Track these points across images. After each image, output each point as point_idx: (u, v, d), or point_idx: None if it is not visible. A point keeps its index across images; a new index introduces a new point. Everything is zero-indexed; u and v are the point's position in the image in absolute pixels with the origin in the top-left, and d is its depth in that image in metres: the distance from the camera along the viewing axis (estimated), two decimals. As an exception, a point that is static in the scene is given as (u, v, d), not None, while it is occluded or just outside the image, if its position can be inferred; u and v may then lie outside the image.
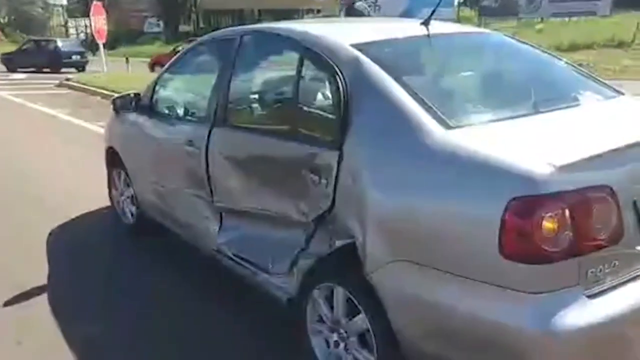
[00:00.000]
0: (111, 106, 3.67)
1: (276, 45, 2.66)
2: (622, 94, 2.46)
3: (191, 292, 3.07)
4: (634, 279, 1.73)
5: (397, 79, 2.04)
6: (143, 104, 3.44)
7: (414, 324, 1.87)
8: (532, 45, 2.74)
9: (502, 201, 1.58)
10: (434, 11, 2.49)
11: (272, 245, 2.48)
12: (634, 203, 1.75)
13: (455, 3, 31.71)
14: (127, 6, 36.77)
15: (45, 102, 11.01)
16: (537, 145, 1.77)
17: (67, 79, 14.85)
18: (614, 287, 1.68)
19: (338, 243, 2.09)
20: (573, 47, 19.82)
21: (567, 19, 26.61)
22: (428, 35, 2.42)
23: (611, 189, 1.65)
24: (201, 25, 37.60)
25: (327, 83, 2.15)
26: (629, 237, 1.71)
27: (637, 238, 1.75)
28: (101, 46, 14.61)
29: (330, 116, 2.12)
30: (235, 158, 2.65)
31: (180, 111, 3.21)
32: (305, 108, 2.33)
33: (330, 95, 2.12)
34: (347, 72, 2.11)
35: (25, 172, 5.70)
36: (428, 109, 1.90)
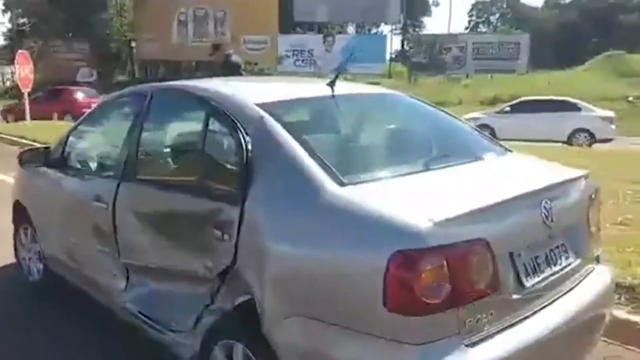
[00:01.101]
0: (17, 160, 3.54)
1: (185, 103, 2.71)
2: (510, 151, 2.65)
3: (91, 353, 2.93)
4: (511, 326, 1.83)
5: (298, 138, 2.12)
6: (53, 158, 3.36)
7: None
8: (430, 104, 2.92)
9: (385, 254, 1.66)
10: (339, 72, 2.63)
11: (178, 302, 2.45)
12: (510, 255, 1.88)
13: (388, 59, 33.24)
14: (59, 55, 35.99)
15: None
16: (421, 201, 1.88)
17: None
18: (492, 335, 1.77)
19: (240, 299, 2.10)
20: (495, 101, 21.20)
21: (489, 75, 28.50)
22: (332, 96, 2.53)
23: (487, 242, 1.76)
24: (137, 75, 37.35)
25: (231, 140, 2.20)
26: (505, 287, 1.82)
27: (514, 287, 1.86)
28: (25, 95, 14.16)
29: (233, 173, 2.15)
30: (142, 213, 2.63)
31: (90, 166, 3.17)
32: (209, 164, 2.36)
33: (233, 153, 2.17)
34: (250, 130, 2.17)
35: None
36: (324, 167, 1.98)
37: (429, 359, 1.65)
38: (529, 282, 1.91)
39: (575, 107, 14.85)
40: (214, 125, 2.34)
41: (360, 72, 28.79)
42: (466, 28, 58.11)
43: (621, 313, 3.08)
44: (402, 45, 43.25)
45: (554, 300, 2.01)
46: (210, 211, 2.19)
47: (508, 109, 15.12)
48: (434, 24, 79.48)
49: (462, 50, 29.44)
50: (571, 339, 2.05)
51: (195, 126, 2.46)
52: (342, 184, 1.92)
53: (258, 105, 2.28)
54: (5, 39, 47.23)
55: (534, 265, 1.95)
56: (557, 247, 2.08)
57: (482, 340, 1.75)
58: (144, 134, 2.74)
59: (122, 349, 2.94)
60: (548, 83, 21.35)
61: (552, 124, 13.85)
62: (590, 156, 9.60)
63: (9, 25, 43.06)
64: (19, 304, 3.63)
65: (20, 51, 15.25)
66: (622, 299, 3.22)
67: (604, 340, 2.86)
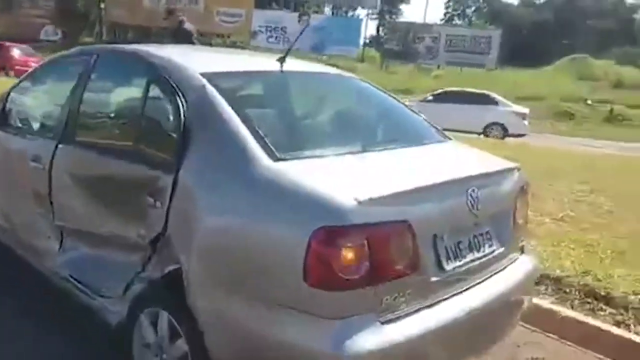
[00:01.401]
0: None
1: (130, 66, 2.66)
2: (450, 139, 2.72)
3: (27, 314, 2.90)
4: (428, 306, 1.90)
5: (237, 110, 2.11)
6: None
7: (229, 350, 1.91)
8: (379, 89, 2.96)
9: (308, 230, 1.69)
10: (289, 48, 2.62)
11: (110, 268, 2.43)
12: (433, 237, 1.94)
13: (362, 43, 33.21)
14: (23, 10, 34.50)
15: None
16: (350, 180, 1.92)
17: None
18: (408, 314, 1.83)
19: (168, 268, 2.11)
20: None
21: (460, 68, 28.86)
22: (280, 72, 2.53)
23: (409, 224, 1.81)
24: (104, 38, 36.17)
25: (170, 108, 2.18)
26: (425, 268, 1.89)
27: (434, 270, 1.93)
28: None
29: (170, 141, 2.14)
30: (78, 176, 2.59)
31: (30, 125, 3.08)
32: (147, 131, 2.34)
33: (171, 121, 2.15)
34: (190, 99, 2.16)
35: None
36: (260, 140, 1.99)
37: (345, 333, 1.69)
38: (449, 266, 1.98)
39: (493, 102, 15.64)
40: (156, 91, 2.31)
41: (334, 54, 28.79)
42: (442, 19, 58.46)
43: (545, 303, 3.23)
44: (377, 31, 43.32)
45: (474, 285, 2.09)
46: (144, 178, 2.18)
47: (431, 97, 15.63)
48: (410, 13, 79.57)
49: (435, 41, 29.67)
50: (487, 323, 2.14)
51: (137, 91, 2.42)
52: (276, 159, 1.93)
53: (202, 74, 2.26)
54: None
55: (456, 250, 2.02)
56: (482, 234, 2.16)
57: (398, 318, 1.81)
58: (86, 96, 2.68)
59: (55, 314, 2.91)
60: (513, 83, 21.83)
61: (470, 116, 14.36)
62: (546, 154, 9.89)
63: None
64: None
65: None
66: (549, 289, 3.38)
67: (527, 328, 3.01)
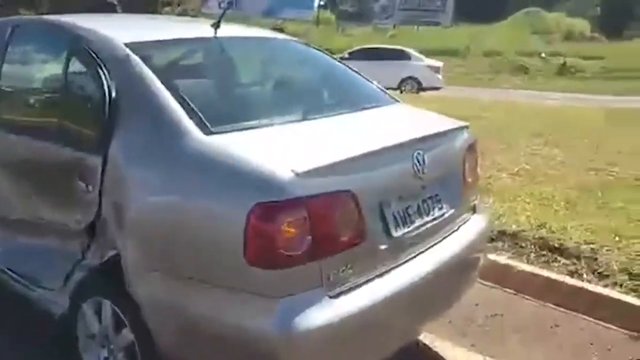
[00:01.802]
0: None
1: (50, 39, 2.46)
2: (397, 101, 2.63)
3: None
4: (379, 276, 1.84)
5: (166, 81, 1.96)
6: None
7: (174, 336, 1.82)
8: (322, 52, 2.83)
9: (245, 207, 1.59)
10: (223, 13, 2.45)
11: (48, 258, 2.29)
12: (380, 205, 1.87)
13: (316, 6, 32.60)
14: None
15: None
16: (287, 152, 1.81)
17: None
18: (358, 286, 1.76)
19: (107, 254, 1.98)
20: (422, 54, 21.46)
21: (416, 27, 28.75)
22: (214, 38, 2.36)
23: (352, 193, 1.73)
24: (44, 12, 34.38)
25: (94, 83, 2.01)
26: (373, 238, 1.82)
27: (382, 238, 1.87)
28: None
29: (95, 118, 1.98)
30: (5, 163, 2.41)
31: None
32: (72, 109, 2.18)
33: (96, 97, 1.99)
34: (115, 72, 2.00)
35: None
36: (191, 113, 1.86)
37: (291, 311, 1.62)
38: (398, 232, 1.91)
39: (406, 56, 15.94)
40: (78, 64, 2.14)
41: (288, 18, 28.20)
42: (396, -23, 57.77)
43: (502, 258, 3.26)
44: (331, -8, 42.51)
45: (425, 250, 2.05)
46: (73, 160, 2.03)
47: (347, 55, 15.65)
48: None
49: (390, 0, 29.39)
50: (441, 286, 2.10)
51: (59, 65, 2.24)
52: (208, 133, 1.81)
53: (127, 45, 2.09)
54: None
55: (404, 216, 1.96)
56: (430, 197, 2.10)
57: (348, 290, 1.74)
58: (3, 73, 2.48)
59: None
60: (469, 38, 21.88)
61: (384, 71, 14.18)
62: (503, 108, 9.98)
63: None
64: None
65: None
66: (505, 245, 3.41)
67: (486, 285, 3.03)
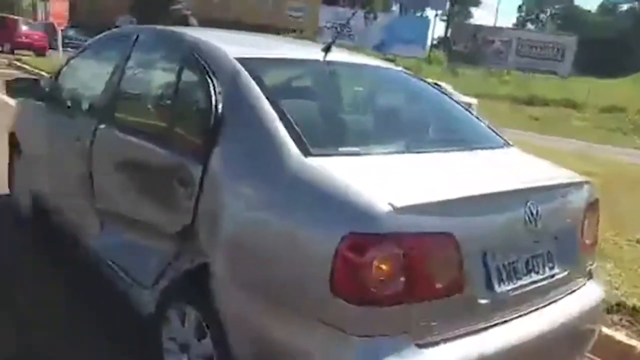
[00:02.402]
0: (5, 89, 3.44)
1: (166, 48, 2.57)
2: (511, 145, 2.45)
3: (67, 294, 2.91)
4: (474, 332, 1.67)
5: (272, 99, 1.95)
6: (44, 92, 3.28)
7: (249, 353, 1.77)
8: (433, 85, 2.72)
9: (337, 235, 1.51)
10: (336, 37, 2.44)
11: (145, 256, 2.34)
12: (484, 255, 1.71)
13: (429, 44, 32.53)
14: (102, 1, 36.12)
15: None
16: (388, 183, 1.70)
17: (18, 59, 14.38)
18: (449, 340, 1.61)
19: (197, 261, 1.99)
20: (531, 101, 20.64)
21: (531, 74, 27.70)
22: (323, 61, 2.35)
23: (454, 237, 1.59)
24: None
25: (202, 93, 2.05)
26: (472, 289, 1.66)
27: (482, 291, 1.70)
28: (59, 31, 14.16)
29: (200, 127, 2.01)
30: (116, 159, 2.53)
31: (75, 104, 3.05)
32: (180, 116, 2.23)
33: (203, 107, 2.02)
34: (223, 85, 2.02)
35: None
36: (293, 133, 1.82)
37: (371, 353, 1.51)
38: (501, 288, 1.74)
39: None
40: (190, 74, 2.19)
41: (400, 54, 28.34)
42: (514, 24, 56.37)
43: (619, 335, 2.87)
44: (445, 33, 42.31)
45: (530, 311, 1.84)
46: (175, 164, 2.07)
47: None
48: (481, 16, 77.11)
49: (505, 45, 28.59)
50: (545, 354, 1.88)
51: (172, 73, 2.32)
52: (308, 154, 1.76)
53: (237, 59, 2.11)
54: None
55: (509, 270, 1.78)
56: (542, 254, 1.90)
57: (438, 343, 1.59)
58: (124, 76, 2.62)
59: (92, 293, 2.88)
60: (588, 91, 20.63)
61: None
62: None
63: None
64: (5, 236, 3.60)
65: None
66: (624, 320, 3.02)
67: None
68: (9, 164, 3.91)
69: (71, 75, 3.25)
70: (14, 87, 3.35)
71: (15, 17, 22.22)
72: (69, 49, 18.74)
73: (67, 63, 3.29)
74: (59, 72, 3.26)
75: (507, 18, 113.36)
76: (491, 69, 28.33)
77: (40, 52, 20.42)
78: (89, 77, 3.17)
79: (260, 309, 1.72)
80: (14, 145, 3.79)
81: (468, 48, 29.48)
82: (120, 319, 2.59)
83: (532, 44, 28.54)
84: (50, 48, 20.29)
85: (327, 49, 2.36)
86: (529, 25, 58.57)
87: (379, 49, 28.49)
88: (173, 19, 6.02)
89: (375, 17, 29.19)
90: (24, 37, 20.45)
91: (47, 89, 3.26)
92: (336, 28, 28.70)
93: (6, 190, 3.95)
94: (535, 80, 26.36)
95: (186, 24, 6.11)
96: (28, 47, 20.38)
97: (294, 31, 32.74)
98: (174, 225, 2.07)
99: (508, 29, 31.50)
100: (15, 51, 19.51)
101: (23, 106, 3.66)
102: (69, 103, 3.09)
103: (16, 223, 3.74)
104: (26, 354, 2.40)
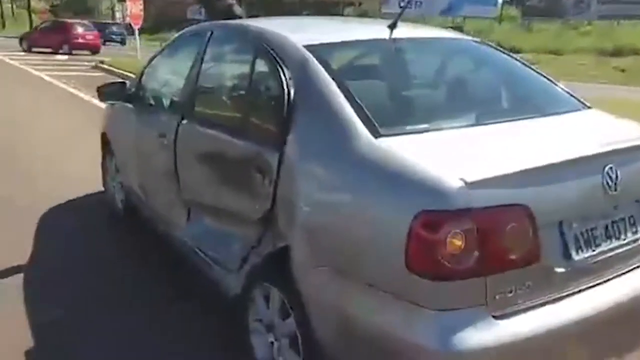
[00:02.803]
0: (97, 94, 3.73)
1: (238, 42, 2.69)
2: (588, 107, 2.36)
3: (160, 281, 3.14)
4: (551, 301, 1.68)
5: (340, 83, 2.02)
6: (129, 93, 3.52)
7: (332, 332, 1.86)
8: (503, 51, 2.65)
9: (409, 213, 1.56)
10: (401, 13, 2.44)
11: (229, 241, 2.50)
12: (560, 224, 1.70)
13: (500, 2, 30.88)
14: (173, -8, 37.37)
15: (76, 83, 11.37)
16: (458, 158, 1.73)
17: (102, 62, 15.28)
18: (526, 310, 1.63)
19: (278, 244, 2.10)
20: (618, 52, 19.15)
21: (616, 22, 25.62)
22: (388, 40, 2.37)
23: (528, 208, 1.59)
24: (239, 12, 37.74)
25: (275, 83, 2.15)
26: (549, 260, 1.66)
27: (559, 260, 1.69)
28: (136, 31, 14.87)
29: (275, 116, 2.11)
30: (198, 151, 2.69)
31: (158, 102, 3.27)
32: (255, 106, 2.35)
33: (276, 96, 2.12)
34: (294, 73, 2.11)
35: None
36: (362, 115, 1.88)
37: (450, 327, 1.55)
38: (579, 256, 1.72)
39: None
40: (260, 65, 2.30)
41: (469, 15, 27.15)
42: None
43: None
44: (519, -13, 39.88)
45: (612, 278, 1.81)
46: (253, 153, 2.19)
47: None
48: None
49: (586, -8, 26.57)
50: (631, 322, 1.85)
51: (244, 66, 2.43)
52: (378, 135, 1.81)
53: (306, 47, 2.19)
54: (123, -23, 50.04)
55: (588, 237, 1.75)
56: (623, 219, 1.85)
57: (514, 313, 1.61)
58: (202, 72, 2.76)
59: (180, 280, 3.11)
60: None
61: None
62: None
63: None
64: (101, 229, 3.95)
65: (132, -14, 15.98)
66: None
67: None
68: (102, 162, 4.27)
69: (152, 75, 3.47)
70: (104, 92, 3.64)
71: (72, 21, 24.51)
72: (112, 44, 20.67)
73: (148, 64, 3.52)
74: (141, 73, 3.49)
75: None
76: (569, 21, 26.50)
77: (95, 50, 22.42)
78: (169, 75, 3.38)
79: (339, 288, 1.80)
80: (106, 145, 4.13)
81: (543, 1, 27.70)
82: (209, 302, 2.78)
83: (617, -12, 26.31)
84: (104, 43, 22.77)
85: (392, 26, 2.38)
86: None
87: (447, 13, 27.46)
88: (219, 9, 6.13)
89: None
90: (80, 38, 22.47)
91: (132, 90, 3.51)
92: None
93: (101, 188, 4.32)
94: (621, 28, 24.37)
95: (232, 12, 6.18)
96: (84, 47, 22.39)
97: (352, 4, 32.28)
98: (256, 211, 2.20)
99: (588, -25, 29.23)
100: (73, 51, 21.64)
101: (111, 108, 3.96)
102: (152, 101, 3.32)
103: (111, 217, 4.09)
104: (122, 334, 2.62)
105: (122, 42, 29.34)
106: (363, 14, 31.14)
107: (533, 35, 24.47)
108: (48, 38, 22.45)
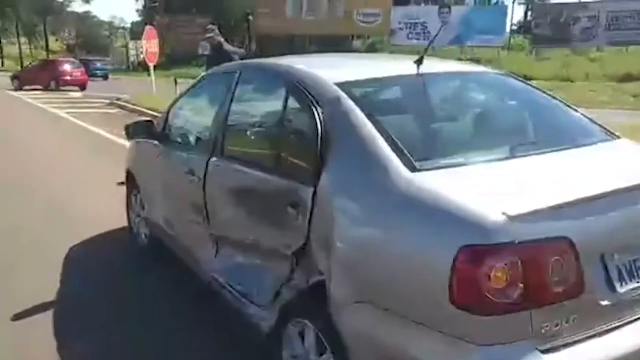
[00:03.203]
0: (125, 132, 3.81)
1: (269, 81, 2.75)
2: (618, 137, 2.37)
3: (187, 318, 3.14)
4: (596, 335, 1.66)
5: (374, 119, 2.05)
6: (156, 131, 3.59)
7: None
8: (528, 84, 2.68)
9: (453, 248, 1.56)
10: (426, 49, 2.50)
11: (260, 276, 2.51)
12: (602, 256, 1.69)
13: (508, 31, 31.25)
14: (184, 29, 38.29)
15: (95, 121, 11.58)
16: (497, 192, 1.74)
17: (118, 99, 15.57)
18: (572, 344, 1.62)
19: (313, 279, 2.11)
20: (628, 78, 19.17)
21: (625, 48, 25.76)
22: (417, 75, 2.41)
23: (571, 241, 1.60)
24: (254, 49, 38.56)
25: (308, 120, 2.19)
26: (593, 291, 1.65)
27: (604, 293, 1.68)
28: (151, 69, 15.21)
29: (309, 153, 2.15)
30: (229, 188, 2.73)
31: (186, 140, 3.34)
32: (288, 143, 2.38)
33: (309, 133, 2.16)
34: (327, 110, 2.15)
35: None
36: (398, 151, 1.91)
37: None
38: (623, 288, 1.71)
39: None
40: (293, 103, 2.35)
41: (478, 45, 27.45)
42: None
43: None
44: (526, 16, 40.48)
45: None
46: (286, 190, 2.22)
47: None
48: (562, -8, 72.00)
49: (593, 20, 26.76)
50: None
51: (277, 104, 2.48)
52: (414, 170, 1.84)
53: (337, 84, 2.24)
54: (140, 16, 51.51)
55: (631, 269, 1.74)
56: None
57: (562, 347, 1.60)
58: (232, 111, 2.82)
59: (210, 316, 3.10)
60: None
61: None
62: None
63: (143, 3, 46.74)
64: (127, 265, 3.97)
65: (147, 27, 16.38)
66: None
67: None
68: (126, 198, 4.32)
69: (180, 113, 3.56)
70: (131, 130, 3.72)
71: (60, 59, 26.15)
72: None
73: (174, 103, 3.60)
74: (168, 112, 3.57)
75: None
76: (577, 48, 26.67)
77: (82, 86, 23.29)
78: (197, 114, 3.45)
79: (379, 324, 1.79)
80: (130, 181, 4.19)
81: (552, 30, 27.96)
82: (241, 338, 2.77)
83: (626, 14, 26.46)
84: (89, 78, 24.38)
85: (419, 62, 2.43)
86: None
87: (455, 43, 27.78)
88: (212, 46, 6.33)
89: (449, 11, 28.49)
90: (67, 76, 23.39)
91: (158, 128, 3.58)
92: (409, 28, 28.44)
93: (125, 223, 4.37)
94: (630, 54, 24.49)
95: (222, 48, 6.34)
96: (72, 83, 23.24)
97: (364, 37, 32.76)
98: (288, 246, 2.21)
99: (594, 2, 29.47)
100: (61, 88, 22.54)
101: (137, 145, 4.03)
102: (179, 139, 3.38)
103: (135, 251, 4.12)
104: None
105: (105, 78, 31.22)
106: (371, 47, 31.63)
107: (542, 63, 24.64)
108: (37, 76, 23.37)
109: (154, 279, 3.65)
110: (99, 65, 33.14)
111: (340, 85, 2.24)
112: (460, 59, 26.13)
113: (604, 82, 18.84)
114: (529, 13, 37.66)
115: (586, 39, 26.81)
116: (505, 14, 29.38)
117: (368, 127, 2.02)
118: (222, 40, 6.77)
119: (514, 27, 34.64)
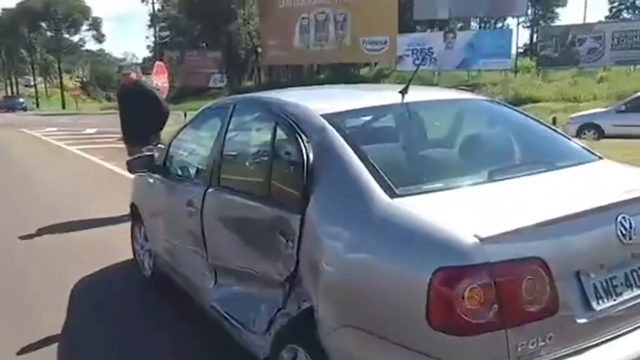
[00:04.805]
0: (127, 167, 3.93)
1: (259, 114, 2.85)
2: (599, 157, 2.42)
3: (191, 348, 3.18)
4: (575, 353, 1.68)
5: (356, 148, 2.13)
6: (156, 165, 3.70)
7: None
8: (512, 109, 2.75)
9: (428, 270, 1.62)
10: (410, 80, 2.58)
11: (256, 304, 2.56)
12: (577, 274, 1.73)
13: (514, 53, 31.45)
14: (194, 63, 39.15)
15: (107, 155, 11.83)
16: (471, 215, 1.79)
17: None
18: None
19: (303, 305, 2.16)
20: (636, 96, 19.12)
21: (631, 67, 25.77)
22: (400, 105, 2.49)
23: (543, 260, 1.64)
24: (262, 80, 39.24)
25: (295, 150, 2.27)
26: (568, 309, 1.68)
27: (580, 311, 1.71)
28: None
29: (296, 182, 2.22)
30: (224, 218, 2.81)
31: (184, 172, 3.45)
32: (277, 173, 2.46)
33: (296, 163, 2.24)
34: (312, 141, 2.24)
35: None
36: (378, 177, 1.98)
37: None
38: (600, 306, 1.74)
39: None
40: (281, 134, 2.43)
41: (484, 69, 27.65)
42: (607, 17, 52.81)
43: None
44: (531, 39, 40.76)
45: (636, 328, 1.81)
46: (276, 218, 2.29)
47: (623, 107, 13.17)
48: (568, 15, 72.77)
49: (599, 40, 26.86)
50: None
51: (266, 135, 2.57)
52: (394, 195, 1.90)
53: (324, 115, 2.33)
54: (150, 51, 52.77)
55: (607, 287, 1.78)
56: None
57: None
58: (227, 142, 2.92)
59: (211, 345, 3.14)
60: None
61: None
62: None
63: (153, 39, 47.94)
64: (131, 297, 4.04)
65: (157, 63, 16.79)
66: None
67: None
68: (131, 230, 4.42)
69: (179, 146, 3.67)
70: (132, 164, 3.83)
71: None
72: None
73: (174, 136, 3.72)
74: (169, 145, 3.69)
75: (597, 12, 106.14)
76: (582, 68, 26.73)
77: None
78: (195, 146, 3.56)
79: (363, 346, 1.83)
80: (134, 214, 4.29)
81: (558, 51, 28.10)
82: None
83: (631, 34, 26.53)
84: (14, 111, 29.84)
85: (403, 91, 2.51)
86: (625, 14, 54.51)
87: (462, 67, 28.00)
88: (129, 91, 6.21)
89: (454, 36, 28.82)
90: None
91: (159, 162, 3.69)
92: (415, 54, 28.74)
93: (131, 255, 4.46)
94: (636, 73, 24.49)
95: (140, 85, 6.27)
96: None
97: (371, 65, 33.15)
98: (280, 273, 2.27)
99: (600, 22, 29.60)
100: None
101: (140, 179, 4.15)
102: (179, 171, 3.49)
103: (140, 281, 4.19)
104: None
105: (24, 109, 42.06)
106: (379, 73, 31.98)
107: (549, 85, 24.71)
108: None
109: (158, 306, 3.72)
110: (20, 100, 42.07)
111: (326, 116, 2.33)
112: (466, 81, 26.28)
113: (610, 102, 18.81)
114: (535, 35, 37.89)
115: (592, 59, 26.87)
116: (510, 37, 29.56)
117: (350, 156, 2.09)
118: (140, 79, 6.60)
119: (520, 50, 34.88)
